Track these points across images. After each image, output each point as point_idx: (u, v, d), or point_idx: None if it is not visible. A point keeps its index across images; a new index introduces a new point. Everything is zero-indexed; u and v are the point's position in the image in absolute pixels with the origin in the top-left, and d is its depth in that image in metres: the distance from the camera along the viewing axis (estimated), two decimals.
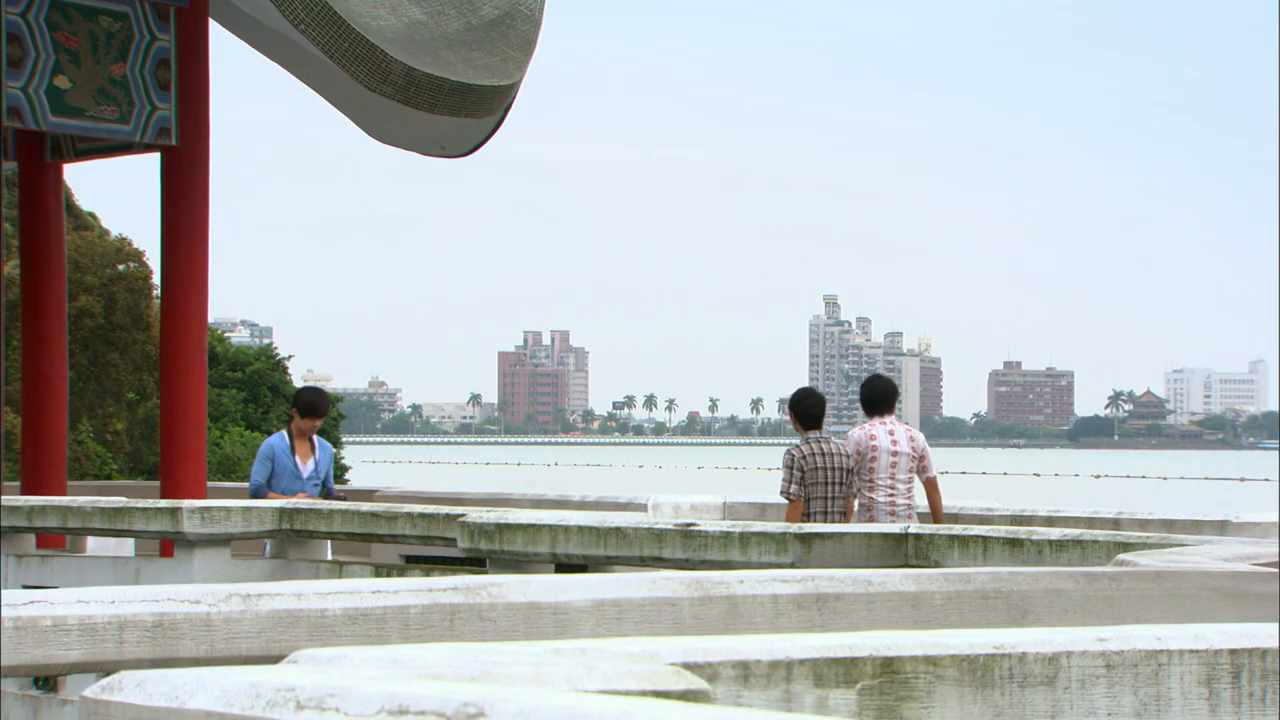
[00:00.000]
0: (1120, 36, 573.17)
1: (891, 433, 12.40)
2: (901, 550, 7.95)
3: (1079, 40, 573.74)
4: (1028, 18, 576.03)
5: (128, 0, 15.41)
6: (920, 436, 12.59)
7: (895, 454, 12.33)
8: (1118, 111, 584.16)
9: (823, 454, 12.16)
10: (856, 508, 12.43)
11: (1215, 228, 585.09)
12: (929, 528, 8.08)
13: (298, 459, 13.93)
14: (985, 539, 7.74)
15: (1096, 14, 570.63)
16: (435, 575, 9.50)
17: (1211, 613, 5.08)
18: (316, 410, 14.05)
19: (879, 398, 12.58)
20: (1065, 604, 5.13)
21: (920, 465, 12.39)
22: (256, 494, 13.76)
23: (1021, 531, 7.80)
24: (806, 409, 12.43)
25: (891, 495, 12.28)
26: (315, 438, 14.13)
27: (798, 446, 12.25)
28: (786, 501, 12.22)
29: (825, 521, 11.93)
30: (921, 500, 12.58)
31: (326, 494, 13.99)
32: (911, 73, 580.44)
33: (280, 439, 14.06)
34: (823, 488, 12.12)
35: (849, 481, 12.20)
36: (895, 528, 8.13)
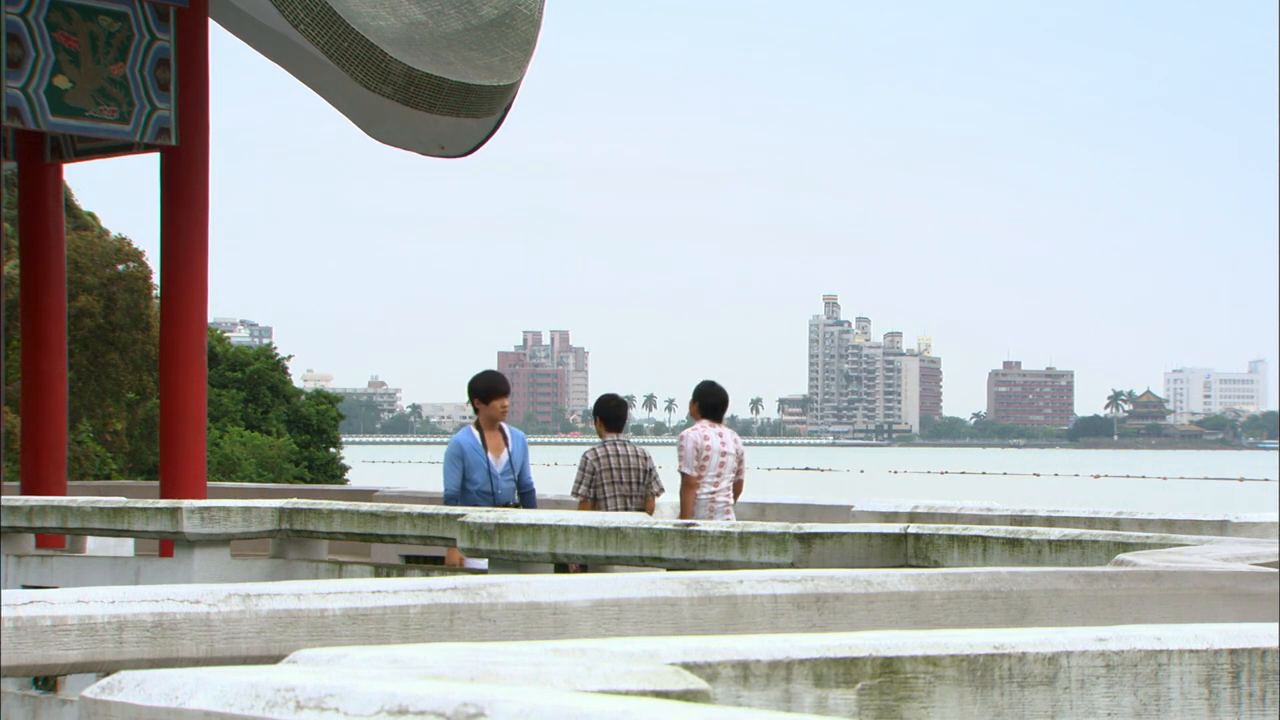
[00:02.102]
0: (1115, 33, 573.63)
1: (720, 435, 13.55)
2: (901, 550, 7.95)
3: (1073, 36, 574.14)
4: (1023, 15, 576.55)
5: (127, 0, 15.41)
6: (740, 441, 13.89)
7: (724, 455, 13.49)
8: (1117, 109, 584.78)
9: (617, 455, 13.23)
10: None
11: (1215, 227, 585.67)
12: (929, 527, 8.08)
13: (489, 454, 12.69)
14: (985, 539, 7.74)
15: (1093, 11, 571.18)
16: (435, 575, 9.51)
17: (1211, 613, 5.08)
18: (498, 389, 12.78)
19: (718, 404, 13.71)
20: (1065, 604, 5.13)
21: (738, 468, 13.57)
22: (451, 502, 12.49)
23: (1021, 531, 7.80)
24: (609, 413, 13.44)
25: (713, 492, 13.39)
26: (507, 427, 12.91)
27: (593, 449, 13.31)
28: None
29: None
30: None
31: (524, 490, 12.83)
32: (911, 72, 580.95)
33: (467, 434, 12.80)
34: (616, 487, 13.19)
35: (646, 481, 13.26)
36: (895, 528, 8.13)
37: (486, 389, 12.78)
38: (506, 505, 12.38)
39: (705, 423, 13.55)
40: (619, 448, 13.25)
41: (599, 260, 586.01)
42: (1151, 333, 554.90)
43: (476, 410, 12.85)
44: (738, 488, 13.62)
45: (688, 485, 13.38)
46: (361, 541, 11.56)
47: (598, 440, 13.45)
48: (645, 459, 13.32)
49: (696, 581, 4.95)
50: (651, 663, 2.76)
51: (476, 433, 12.76)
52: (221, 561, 10.75)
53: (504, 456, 12.74)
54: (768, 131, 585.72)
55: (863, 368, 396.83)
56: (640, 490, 13.24)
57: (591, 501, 13.14)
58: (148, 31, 15.48)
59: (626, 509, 13.02)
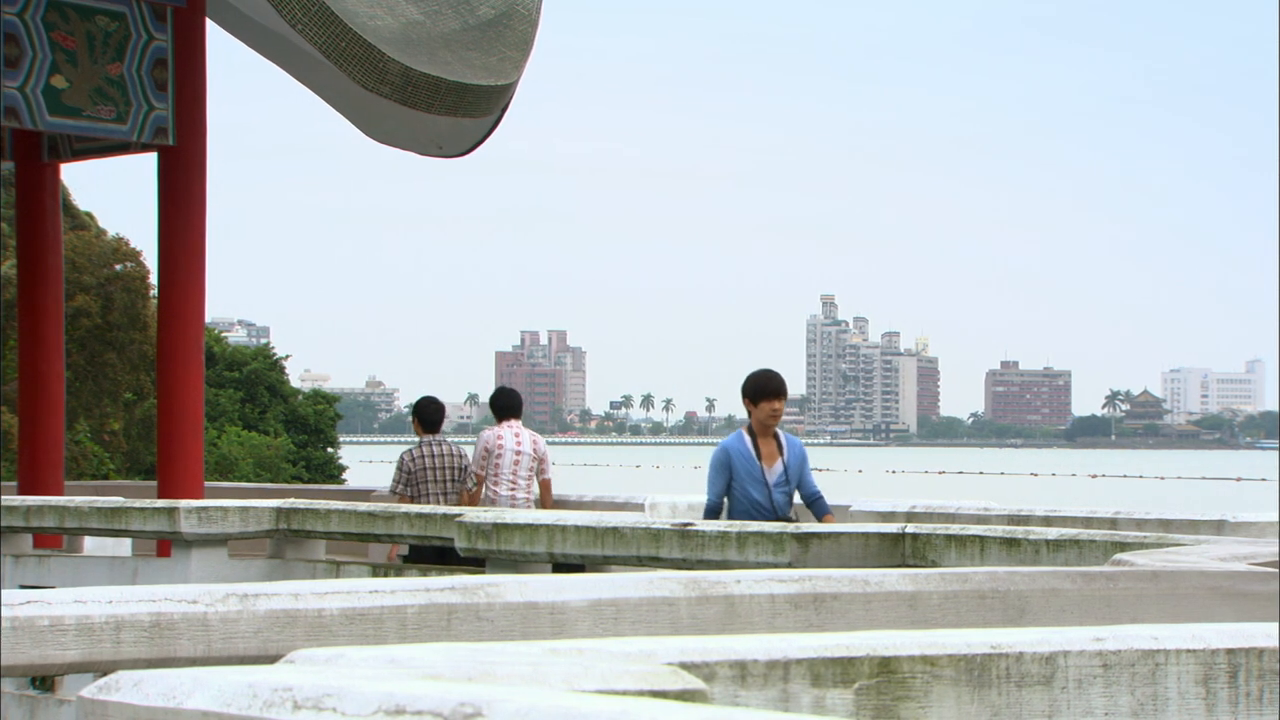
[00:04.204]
0: (1114, 32, 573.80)
1: (517, 435, 14.21)
2: (899, 550, 7.95)
3: (1072, 35, 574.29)
4: (1021, 15, 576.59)
5: (125, 0, 15.41)
6: (541, 441, 14.55)
7: (518, 454, 14.13)
8: (1114, 109, 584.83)
9: (432, 455, 14.23)
10: (482, 499, 14.35)
11: (1213, 227, 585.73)
12: (927, 527, 8.08)
13: (762, 463, 11.38)
14: (982, 539, 7.74)
15: (1093, 10, 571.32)
16: (432, 575, 9.50)
17: (1208, 612, 5.08)
18: (766, 390, 11.40)
19: (507, 406, 14.50)
20: (1062, 604, 5.13)
21: (540, 466, 14.24)
22: (712, 513, 11.35)
23: (1019, 531, 7.80)
24: (427, 415, 14.48)
25: (513, 490, 14.05)
26: (783, 434, 11.57)
27: (410, 450, 14.32)
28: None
29: None
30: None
31: (812, 498, 11.63)
32: (908, 71, 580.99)
33: (738, 440, 11.44)
34: (432, 485, 14.17)
35: (461, 479, 14.23)
36: (893, 527, 8.13)
37: (755, 389, 11.46)
38: (785, 519, 11.24)
39: (504, 424, 14.25)
40: (436, 447, 14.23)
41: (597, 260, 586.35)
42: (1149, 332, 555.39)
43: (749, 413, 11.56)
44: (544, 486, 14.25)
45: (477, 481, 14.18)
46: (359, 541, 11.56)
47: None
48: (460, 457, 14.25)
49: (694, 581, 4.95)
50: (649, 662, 2.76)
51: (749, 438, 11.44)
52: (219, 561, 10.75)
53: (778, 466, 11.41)
54: (766, 131, 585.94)
55: (860, 367, 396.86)
56: (455, 489, 14.20)
57: (410, 498, 14.07)
58: (145, 31, 15.47)
59: (444, 503, 13.86)
